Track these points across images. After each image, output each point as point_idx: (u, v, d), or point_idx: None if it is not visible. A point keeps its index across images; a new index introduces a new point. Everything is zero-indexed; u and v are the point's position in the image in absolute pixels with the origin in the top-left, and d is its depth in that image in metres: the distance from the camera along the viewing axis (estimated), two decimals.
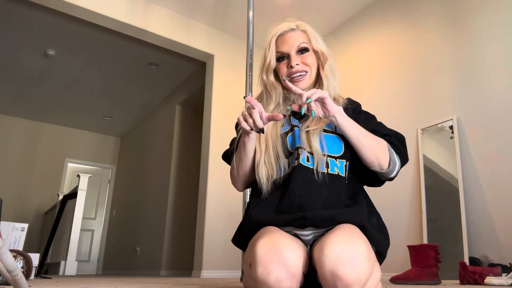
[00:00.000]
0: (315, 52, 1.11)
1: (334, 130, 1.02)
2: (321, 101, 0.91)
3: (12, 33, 4.35)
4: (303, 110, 0.90)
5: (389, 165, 0.97)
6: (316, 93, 0.90)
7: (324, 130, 1.00)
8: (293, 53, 1.09)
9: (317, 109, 0.92)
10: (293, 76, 1.08)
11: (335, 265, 0.67)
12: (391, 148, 0.99)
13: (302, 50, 1.10)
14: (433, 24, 3.05)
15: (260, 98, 1.16)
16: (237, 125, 1.13)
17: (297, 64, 1.08)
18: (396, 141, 1.01)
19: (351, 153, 0.99)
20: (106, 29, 3.90)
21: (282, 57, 1.11)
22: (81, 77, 5.37)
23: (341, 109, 0.94)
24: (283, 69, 1.10)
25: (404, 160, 1.01)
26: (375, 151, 0.95)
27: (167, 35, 3.89)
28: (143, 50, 4.60)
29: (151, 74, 5.27)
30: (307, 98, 0.89)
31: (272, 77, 1.13)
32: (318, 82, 1.13)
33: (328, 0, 3.72)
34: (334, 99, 1.10)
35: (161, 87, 5.67)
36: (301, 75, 1.08)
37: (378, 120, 1.13)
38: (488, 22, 2.66)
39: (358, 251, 0.69)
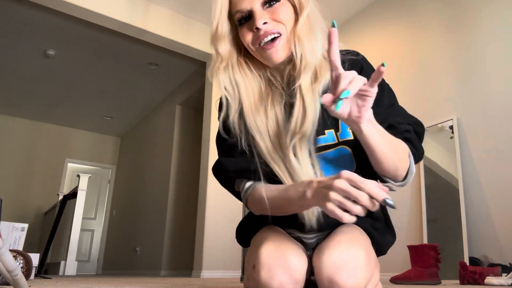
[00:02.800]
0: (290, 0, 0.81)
1: (336, 141, 0.81)
2: (362, 95, 0.63)
3: (12, 33, 4.34)
4: (339, 107, 0.61)
5: (405, 177, 0.79)
6: (357, 82, 0.60)
7: (322, 148, 0.79)
8: (257, 8, 0.78)
9: (345, 107, 0.64)
10: (261, 42, 0.79)
11: (332, 272, 0.65)
12: (411, 156, 0.78)
13: (270, 1, 0.79)
14: (433, 24, 3.05)
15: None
16: (221, 140, 0.88)
17: (264, 23, 0.78)
18: (415, 138, 0.80)
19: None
20: (106, 29, 3.90)
21: (243, 18, 0.80)
22: (81, 77, 5.37)
23: (371, 113, 0.67)
24: (247, 37, 0.80)
25: (419, 158, 0.82)
26: (397, 164, 0.75)
27: (167, 35, 3.89)
28: (143, 50, 4.60)
29: (151, 74, 5.27)
30: (343, 92, 0.60)
31: (227, 46, 0.82)
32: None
33: (327, 0, 3.71)
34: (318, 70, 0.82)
35: (161, 87, 5.67)
36: (274, 38, 0.78)
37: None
38: (488, 22, 2.66)
39: (356, 256, 0.67)
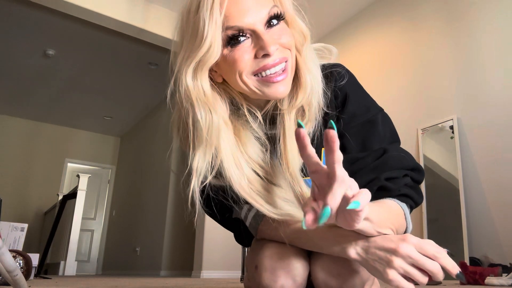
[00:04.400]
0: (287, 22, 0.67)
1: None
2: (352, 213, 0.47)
3: (12, 33, 4.34)
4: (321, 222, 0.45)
5: None
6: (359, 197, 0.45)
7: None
8: (260, 28, 0.61)
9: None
10: (268, 72, 0.62)
11: (328, 277, 0.65)
12: (408, 217, 0.67)
13: (275, 18, 0.63)
14: (433, 24, 3.05)
15: (185, 136, 0.69)
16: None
17: (276, 49, 0.62)
18: (413, 191, 0.68)
19: None
20: (106, 29, 3.89)
21: (236, 36, 0.61)
22: (81, 77, 5.37)
23: (366, 210, 0.49)
24: (243, 62, 0.61)
25: (417, 206, 0.71)
26: None
27: (167, 35, 3.88)
28: (143, 50, 4.60)
29: (151, 74, 5.27)
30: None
31: (206, 83, 0.64)
32: (294, 80, 0.68)
33: (326, 0, 3.71)
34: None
35: (161, 87, 5.65)
36: (283, 69, 0.63)
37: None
38: (488, 22, 2.66)
39: (350, 260, 0.64)
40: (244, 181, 0.66)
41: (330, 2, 3.74)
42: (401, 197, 0.67)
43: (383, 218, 0.58)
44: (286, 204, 0.67)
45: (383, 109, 0.77)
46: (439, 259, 0.53)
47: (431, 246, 0.53)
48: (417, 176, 0.69)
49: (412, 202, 0.68)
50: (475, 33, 2.73)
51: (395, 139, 0.75)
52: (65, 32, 4.31)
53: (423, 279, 0.53)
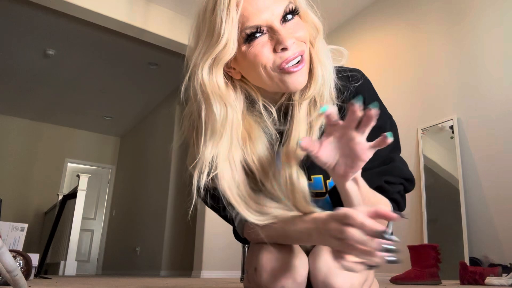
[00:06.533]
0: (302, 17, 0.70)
1: (324, 190, 0.74)
2: (355, 158, 0.58)
3: (12, 33, 4.34)
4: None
5: None
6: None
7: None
8: (277, 24, 0.64)
9: (331, 152, 0.59)
10: (285, 65, 0.64)
11: (327, 276, 0.65)
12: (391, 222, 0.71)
13: (290, 13, 0.66)
14: (433, 24, 3.05)
15: (193, 134, 0.73)
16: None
17: (293, 43, 0.64)
18: (402, 199, 0.74)
19: None
20: (106, 29, 3.89)
21: (253, 33, 0.64)
22: (81, 77, 5.37)
23: (359, 172, 0.61)
24: (265, 56, 0.64)
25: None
26: None
27: (167, 35, 3.89)
28: (143, 50, 4.60)
29: (151, 74, 5.27)
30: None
31: (221, 79, 0.67)
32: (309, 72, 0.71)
33: (326, 1, 3.71)
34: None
35: (161, 87, 5.67)
36: (299, 61, 0.65)
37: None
38: (488, 22, 2.66)
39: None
40: (232, 182, 0.67)
41: (330, 2, 3.74)
42: (391, 201, 0.72)
43: (370, 197, 0.64)
44: (270, 208, 0.67)
45: (391, 116, 0.81)
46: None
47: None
48: (409, 186, 0.75)
49: (398, 209, 0.73)
50: (475, 34, 2.73)
51: (398, 147, 0.78)
52: (65, 32, 4.31)
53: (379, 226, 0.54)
